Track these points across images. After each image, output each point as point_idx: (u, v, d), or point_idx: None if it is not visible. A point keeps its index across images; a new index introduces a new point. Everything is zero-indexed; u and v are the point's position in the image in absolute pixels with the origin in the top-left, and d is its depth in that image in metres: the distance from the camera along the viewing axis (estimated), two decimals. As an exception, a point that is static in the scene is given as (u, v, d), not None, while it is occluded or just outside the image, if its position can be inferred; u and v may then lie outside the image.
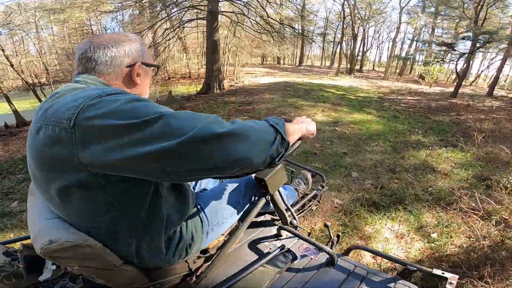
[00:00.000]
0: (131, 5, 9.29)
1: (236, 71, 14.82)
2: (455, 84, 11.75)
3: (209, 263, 1.00)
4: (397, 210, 2.65)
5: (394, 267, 1.95)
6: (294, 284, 1.05)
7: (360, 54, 25.92)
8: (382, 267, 1.98)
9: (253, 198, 1.14)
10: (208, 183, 1.33)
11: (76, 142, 0.61)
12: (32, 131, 0.70)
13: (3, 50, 7.03)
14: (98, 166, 0.63)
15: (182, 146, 0.58)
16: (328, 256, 1.14)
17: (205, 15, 9.40)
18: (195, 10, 10.05)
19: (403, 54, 23.62)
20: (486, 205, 2.59)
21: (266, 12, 9.85)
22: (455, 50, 10.74)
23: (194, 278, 0.99)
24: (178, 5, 9.33)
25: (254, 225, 1.40)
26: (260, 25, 10.28)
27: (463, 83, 10.92)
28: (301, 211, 1.59)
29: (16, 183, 3.83)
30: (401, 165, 3.77)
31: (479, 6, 10.43)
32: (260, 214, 1.43)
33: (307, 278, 1.07)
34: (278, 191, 1.13)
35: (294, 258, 1.17)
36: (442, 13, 18.05)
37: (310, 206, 1.64)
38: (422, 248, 2.19)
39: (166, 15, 10.25)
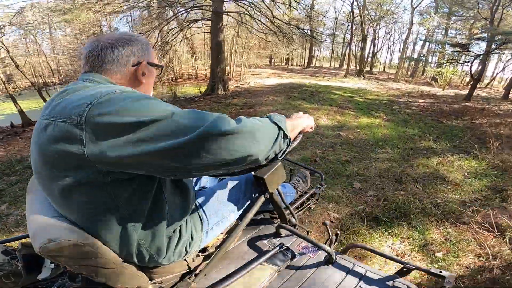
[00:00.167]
0: (134, 5, 9.23)
1: (243, 72, 14.66)
2: (469, 86, 11.42)
3: (208, 261, 1.01)
4: (400, 226, 2.42)
5: (392, 265, 1.97)
6: (293, 282, 1.05)
7: (370, 55, 25.51)
8: (380, 265, 1.99)
9: (252, 197, 1.14)
10: (207, 182, 1.33)
11: (85, 138, 0.62)
12: (39, 128, 0.71)
13: (7, 51, 7.09)
14: (106, 163, 0.64)
15: (191, 143, 0.61)
16: (326, 254, 1.14)
17: (209, 16, 9.29)
18: (201, 10, 9.98)
19: (415, 56, 23.12)
20: (500, 220, 2.36)
21: (272, 12, 9.65)
22: (469, 51, 10.31)
23: (193, 276, 0.99)
24: (184, 5, 9.22)
25: (253, 223, 1.41)
26: (266, 25, 10.11)
27: (478, 86, 10.50)
28: (300, 209, 1.60)
29: (8, 185, 3.77)
30: (409, 174, 3.51)
31: (495, 7, 10.11)
32: (259, 212, 1.45)
33: (305, 276, 1.07)
34: (277, 189, 1.14)
35: (293, 256, 1.17)
36: (456, 13, 17.56)
37: (309, 204, 1.64)
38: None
39: (172, 14, 10.17)
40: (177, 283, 0.97)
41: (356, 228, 2.37)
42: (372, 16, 22.67)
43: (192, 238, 0.95)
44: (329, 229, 1.32)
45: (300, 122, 0.97)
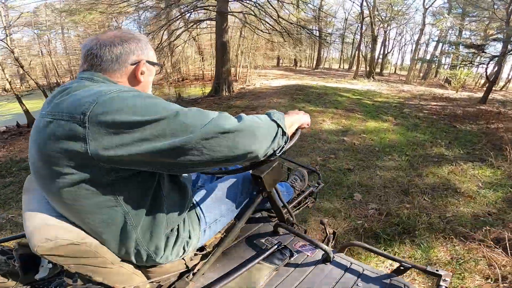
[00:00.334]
0: (133, 4, 9.17)
1: (249, 73, 14.51)
2: (484, 89, 11.03)
3: (206, 260, 1.02)
4: (402, 244, 2.20)
5: (389, 264, 1.95)
6: (291, 281, 1.06)
7: (381, 57, 25.06)
8: (377, 264, 1.97)
9: (250, 196, 1.15)
10: (205, 180, 1.33)
11: (88, 136, 0.62)
12: (39, 126, 0.70)
13: (12, 52, 7.16)
14: (110, 161, 0.65)
15: (194, 141, 0.64)
16: (324, 253, 1.15)
17: (214, 16, 9.17)
18: (207, 11, 9.88)
19: (428, 57, 22.54)
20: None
21: (277, 12, 9.46)
22: (485, 52, 9.90)
23: (191, 275, 0.99)
24: (188, 5, 9.13)
25: (250, 222, 1.41)
26: (272, 26, 9.93)
27: (493, 88, 10.09)
28: (297, 208, 1.60)
29: (1, 187, 3.68)
30: (417, 184, 3.24)
31: (511, 7, 9.73)
32: (256, 211, 1.45)
33: (303, 275, 1.08)
34: (275, 188, 1.15)
35: (291, 255, 1.17)
36: (470, 14, 17.07)
37: (306, 203, 1.65)
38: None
39: (177, 14, 10.08)
40: (175, 282, 0.98)
41: (351, 247, 2.14)
42: (382, 17, 22.24)
43: (189, 237, 0.95)
44: (326, 227, 1.35)
45: (297, 119, 0.99)
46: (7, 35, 7.20)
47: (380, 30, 21.99)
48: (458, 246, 2.16)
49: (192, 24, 9.93)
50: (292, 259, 1.16)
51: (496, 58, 9.58)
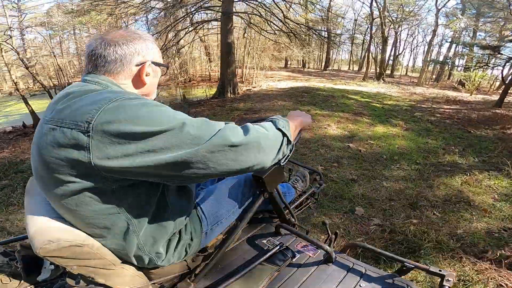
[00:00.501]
0: (143, 5, 9.13)
1: (255, 74, 14.34)
2: (499, 91, 10.58)
3: (207, 261, 1.02)
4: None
5: (391, 264, 1.93)
6: (293, 282, 1.05)
7: (392, 58, 24.58)
8: (379, 264, 1.95)
9: (251, 197, 1.15)
10: (207, 182, 1.31)
11: (92, 146, 0.61)
12: (41, 131, 0.69)
13: (17, 53, 7.20)
14: (113, 171, 0.64)
15: (200, 155, 0.64)
16: (326, 253, 1.15)
17: (219, 17, 9.05)
18: (214, 11, 9.78)
19: (441, 59, 21.97)
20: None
21: (283, 13, 9.26)
22: (501, 54, 9.49)
23: (193, 276, 1.00)
24: (192, 6, 9.03)
25: (252, 223, 1.41)
26: (278, 27, 9.74)
27: (510, 91, 9.63)
28: (299, 209, 1.60)
29: (-5, 190, 3.60)
30: (426, 197, 2.99)
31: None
32: (258, 212, 1.44)
33: (305, 276, 1.08)
34: (276, 189, 1.16)
35: (293, 255, 1.17)
36: (485, 15, 16.55)
37: (308, 204, 1.64)
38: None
39: (184, 15, 9.99)
40: (177, 284, 0.98)
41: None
42: (393, 18, 21.79)
43: (191, 239, 0.95)
44: (328, 228, 1.34)
45: (300, 122, 0.99)
46: (10, 36, 7.21)
47: (391, 31, 21.56)
48: (467, 266, 1.99)
49: (197, 25, 9.83)
50: (294, 259, 1.16)
51: (513, 59, 9.17)
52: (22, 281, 0.94)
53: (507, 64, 9.70)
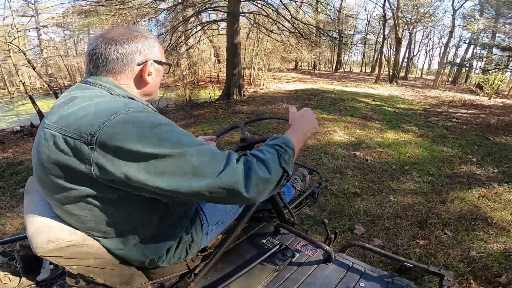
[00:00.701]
0: (148, 5, 9.05)
1: (263, 76, 14.13)
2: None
3: (207, 261, 1.03)
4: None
5: (391, 264, 1.93)
6: (292, 281, 1.06)
7: (406, 60, 23.93)
8: (379, 264, 1.95)
9: None
10: None
11: (94, 159, 0.62)
12: (43, 136, 0.68)
13: (24, 54, 7.26)
14: (114, 183, 0.65)
15: (197, 190, 0.64)
16: (325, 253, 1.15)
17: (225, 17, 8.89)
18: (222, 12, 9.64)
19: (458, 61, 21.20)
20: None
21: (291, 14, 9.00)
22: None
23: (192, 276, 1.00)
24: (198, 5, 8.90)
25: (252, 222, 1.41)
26: (286, 28, 9.49)
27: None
28: (298, 208, 1.61)
29: (-14, 192, 3.52)
30: (438, 213, 2.68)
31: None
32: (257, 211, 1.44)
33: (305, 275, 1.08)
34: None
35: (292, 255, 1.16)
36: (505, 16, 15.89)
37: (307, 203, 1.64)
38: None
39: (190, 15, 9.88)
40: (176, 283, 0.99)
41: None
42: (407, 19, 21.17)
43: (192, 240, 0.95)
44: (327, 228, 1.36)
45: (304, 134, 0.91)
46: (15, 37, 7.26)
47: (405, 33, 20.95)
48: (477, 292, 1.79)
49: (203, 25, 9.70)
50: (293, 259, 1.16)
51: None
52: (22, 281, 0.95)
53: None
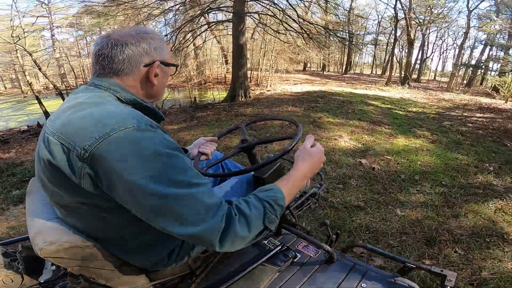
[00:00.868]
0: (152, 6, 9.00)
1: (270, 77, 13.98)
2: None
3: (208, 262, 1.06)
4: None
5: (393, 264, 1.92)
6: (294, 282, 1.06)
7: (418, 62, 23.36)
8: (380, 264, 1.94)
9: None
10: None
11: (84, 174, 0.62)
12: (44, 140, 0.69)
13: (30, 55, 7.31)
14: (105, 195, 0.65)
15: (174, 233, 0.63)
16: (327, 253, 1.15)
17: (231, 17, 8.76)
18: (226, 12, 9.53)
19: (473, 62, 20.55)
20: None
21: (297, 13, 8.80)
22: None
23: (194, 277, 1.02)
24: (203, 6, 8.80)
25: None
26: (294, 28, 9.29)
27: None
28: (300, 209, 1.58)
29: (-16, 195, 3.47)
30: (450, 229, 2.44)
31: None
32: None
33: (306, 276, 1.08)
34: None
35: (294, 256, 1.16)
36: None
37: (308, 204, 1.63)
38: None
39: (197, 13, 9.80)
40: (178, 285, 1.00)
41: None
42: (420, 20, 20.65)
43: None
44: (329, 228, 1.37)
45: (305, 176, 0.90)
46: (19, 38, 7.31)
47: (418, 34, 20.43)
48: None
49: (208, 25, 9.60)
50: (295, 260, 1.16)
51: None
52: (24, 282, 0.95)
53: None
